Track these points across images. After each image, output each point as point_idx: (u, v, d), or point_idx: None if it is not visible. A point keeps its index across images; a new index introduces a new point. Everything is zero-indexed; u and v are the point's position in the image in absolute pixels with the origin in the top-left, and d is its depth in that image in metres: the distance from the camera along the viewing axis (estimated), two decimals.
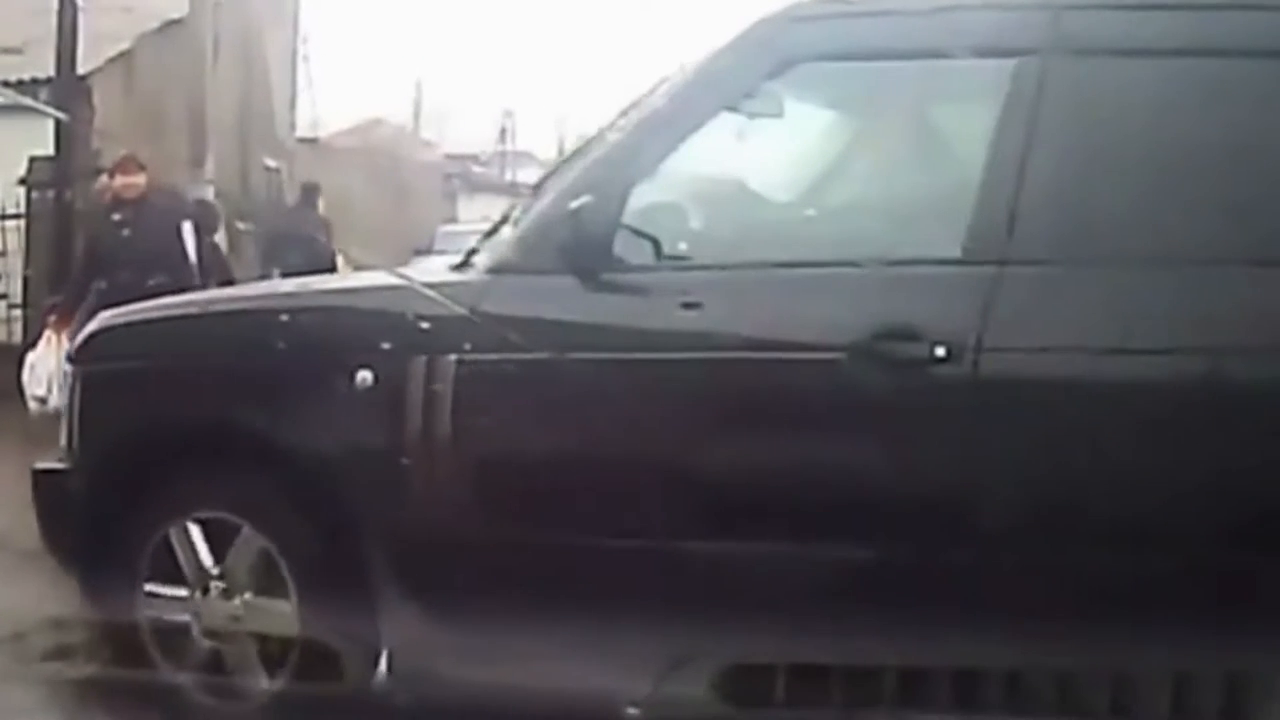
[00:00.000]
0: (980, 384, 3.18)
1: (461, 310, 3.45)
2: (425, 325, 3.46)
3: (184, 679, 3.67)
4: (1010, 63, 3.35)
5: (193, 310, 3.99)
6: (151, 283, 6.33)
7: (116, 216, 7.57)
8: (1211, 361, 3.14)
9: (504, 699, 3.36)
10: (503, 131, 22.91)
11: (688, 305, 3.38)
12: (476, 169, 21.20)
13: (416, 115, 25.30)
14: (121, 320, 3.99)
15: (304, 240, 12.31)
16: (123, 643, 3.74)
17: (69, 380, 3.89)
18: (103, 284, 7.13)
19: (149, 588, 3.67)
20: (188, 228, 7.61)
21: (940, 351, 3.18)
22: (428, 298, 3.52)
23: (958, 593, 3.14)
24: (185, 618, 3.65)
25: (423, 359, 3.42)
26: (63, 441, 3.87)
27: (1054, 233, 3.25)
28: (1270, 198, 3.24)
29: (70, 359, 3.94)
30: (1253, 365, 3.14)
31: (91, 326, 4.04)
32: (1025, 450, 3.18)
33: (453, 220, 20.84)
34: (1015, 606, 3.11)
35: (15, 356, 7.64)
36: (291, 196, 14.67)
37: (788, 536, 3.25)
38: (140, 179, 7.58)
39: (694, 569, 3.30)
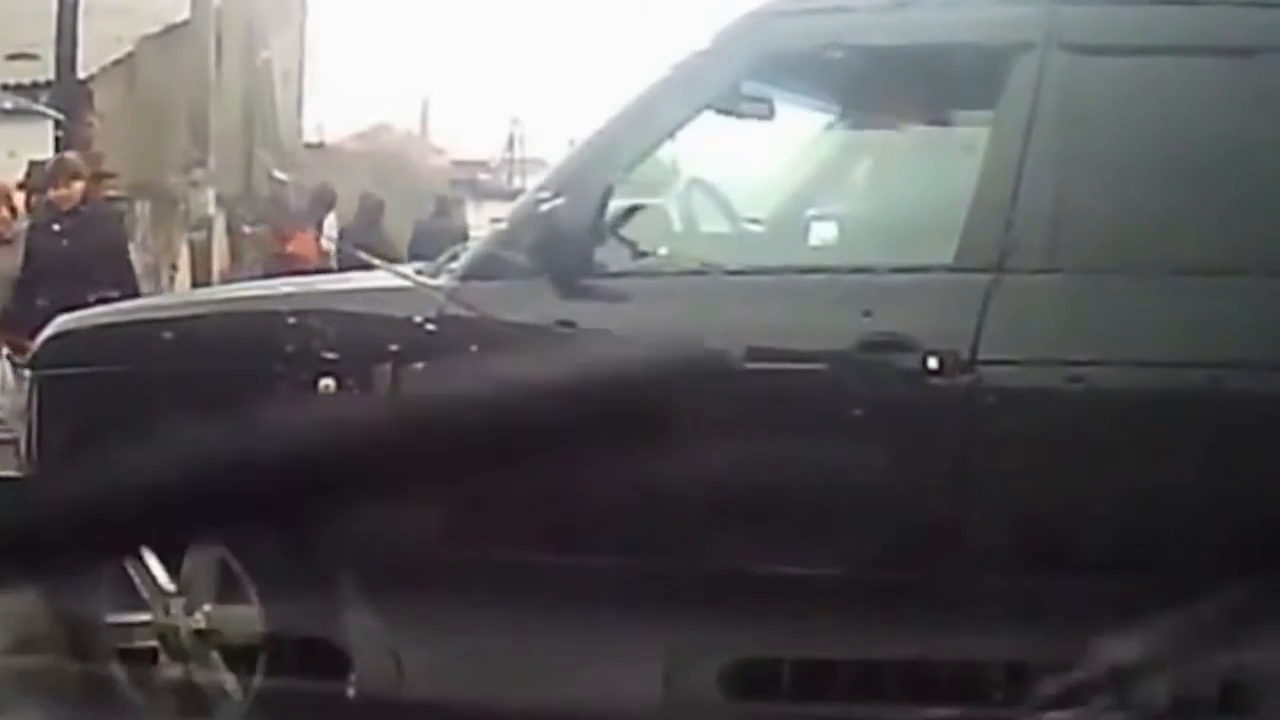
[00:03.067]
0: (974, 396, 3.07)
1: (429, 315, 3.35)
2: (391, 331, 3.38)
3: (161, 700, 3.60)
4: (1007, 60, 3.24)
5: (150, 315, 3.92)
6: (93, 297, 6.08)
7: (56, 227, 7.37)
8: (1214, 376, 3.04)
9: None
10: (511, 138, 22.97)
11: (666, 311, 3.27)
12: (482, 175, 21.19)
13: (424, 121, 25.35)
14: (79, 324, 3.94)
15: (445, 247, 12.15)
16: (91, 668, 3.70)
17: (26, 385, 3.79)
18: (44, 300, 6.61)
19: (111, 618, 3.60)
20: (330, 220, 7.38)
21: (932, 363, 3.07)
22: (394, 303, 3.43)
23: (950, 605, 3.04)
24: (152, 642, 3.59)
25: (387, 366, 3.31)
26: (21, 449, 3.78)
27: (1051, 239, 3.14)
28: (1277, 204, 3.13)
29: (29, 365, 3.84)
30: (1256, 380, 3.04)
31: (50, 330, 3.97)
32: (1019, 464, 3.10)
33: None
34: (1007, 618, 3.03)
35: None
36: (297, 202, 14.70)
37: (772, 551, 3.16)
38: (76, 187, 7.37)
39: (675, 585, 3.20)
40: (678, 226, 3.76)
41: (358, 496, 1.01)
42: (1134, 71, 3.21)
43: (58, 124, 10.58)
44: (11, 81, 11.79)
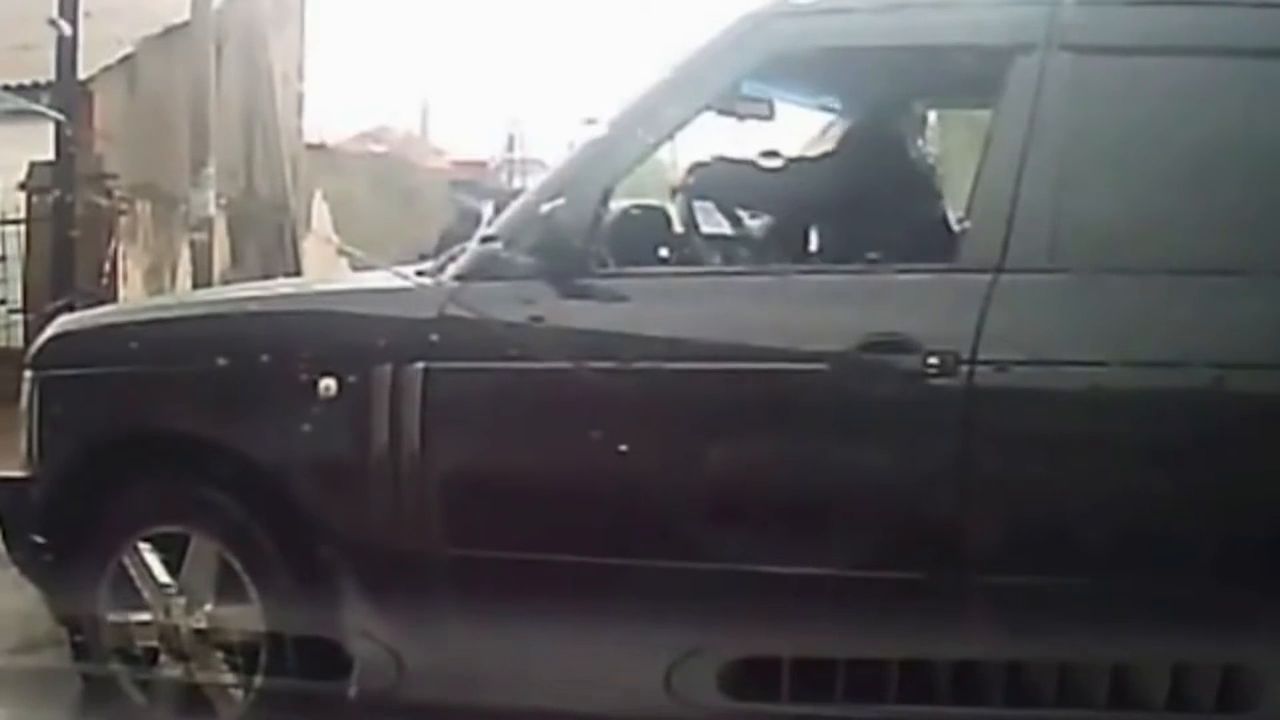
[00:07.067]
0: (974, 397, 3.07)
1: (428, 316, 3.35)
2: (390, 332, 3.38)
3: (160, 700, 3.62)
4: (1007, 59, 3.23)
5: (150, 315, 3.91)
6: None
7: None
8: (1216, 376, 3.02)
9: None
10: (511, 138, 22.97)
11: (668, 312, 3.28)
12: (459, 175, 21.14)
13: (424, 122, 25.40)
14: (80, 325, 3.95)
15: None
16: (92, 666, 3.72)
17: (26, 385, 3.78)
18: None
19: (111, 618, 3.60)
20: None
21: (933, 363, 3.06)
22: (392, 304, 3.44)
23: (950, 605, 3.06)
24: (153, 642, 3.60)
25: (388, 367, 3.32)
26: (21, 449, 3.78)
27: (1052, 239, 3.14)
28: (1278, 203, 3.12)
29: (28, 364, 3.83)
30: (1258, 380, 3.03)
31: (50, 331, 3.96)
32: (1020, 464, 3.09)
33: None
34: (1008, 619, 3.05)
35: (16, 361, 7.49)
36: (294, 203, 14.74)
37: (776, 552, 3.15)
38: None
39: (674, 584, 3.20)
40: (677, 226, 3.78)
41: None
42: (1135, 72, 3.19)
43: (57, 125, 10.54)
44: (12, 82, 11.74)
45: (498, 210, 3.45)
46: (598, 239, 3.33)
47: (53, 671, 4.01)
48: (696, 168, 3.83)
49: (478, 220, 3.38)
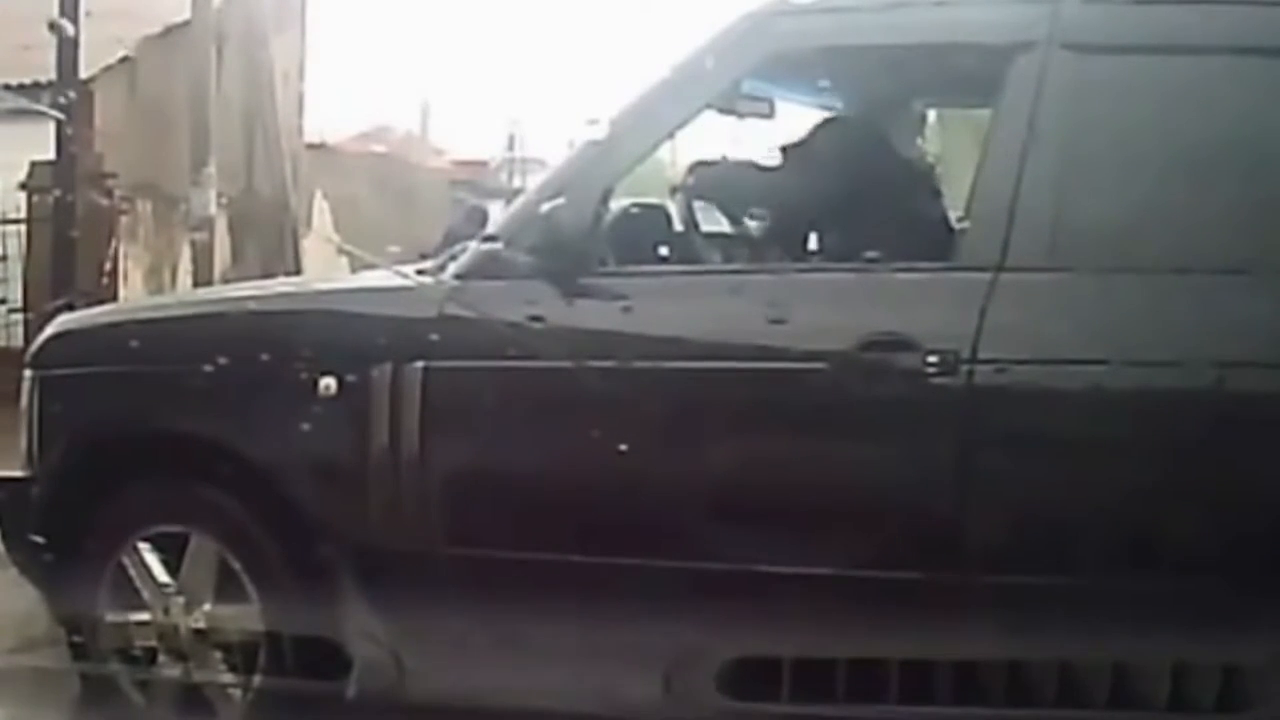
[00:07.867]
0: (974, 396, 3.07)
1: (428, 315, 3.35)
2: (390, 331, 3.39)
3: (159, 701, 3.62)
4: (1008, 59, 3.23)
5: (150, 315, 3.91)
6: None
7: None
8: (1217, 375, 3.02)
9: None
10: (511, 138, 23.04)
11: (668, 311, 3.27)
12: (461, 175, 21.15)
13: (424, 122, 25.46)
14: (80, 324, 3.95)
15: None
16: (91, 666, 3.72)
17: (26, 385, 3.78)
18: None
19: (110, 618, 3.60)
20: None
21: (933, 362, 3.07)
22: (392, 303, 3.44)
23: (950, 605, 3.05)
24: (152, 642, 3.60)
25: (387, 366, 3.32)
26: (21, 448, 3.78)
27: (1052, 239, 3.14)
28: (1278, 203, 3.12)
29: (28, 363, 3.83)
30: (1259, 380, 3.03)
31: (50, 330, 3.96)
32: (1021, 463, 3.09)
33: None
34: (1008, 618, 3.04)
35: (16, 360, 7.48)
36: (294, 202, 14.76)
37: (776, 551, 3.15)
38: None
39: (674, 584, 3.19)
40: (677, 225, 3.78)
41: None
42: (1135, 71, 3.19)
43: (57, 125, 10.55)
44: (13, 82, 11.75)
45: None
46: (598, 238, 3.34)
47: (52, 671, 4.01)
48: (696, 167, 3.84)
49: (482, 219, 3.38)
